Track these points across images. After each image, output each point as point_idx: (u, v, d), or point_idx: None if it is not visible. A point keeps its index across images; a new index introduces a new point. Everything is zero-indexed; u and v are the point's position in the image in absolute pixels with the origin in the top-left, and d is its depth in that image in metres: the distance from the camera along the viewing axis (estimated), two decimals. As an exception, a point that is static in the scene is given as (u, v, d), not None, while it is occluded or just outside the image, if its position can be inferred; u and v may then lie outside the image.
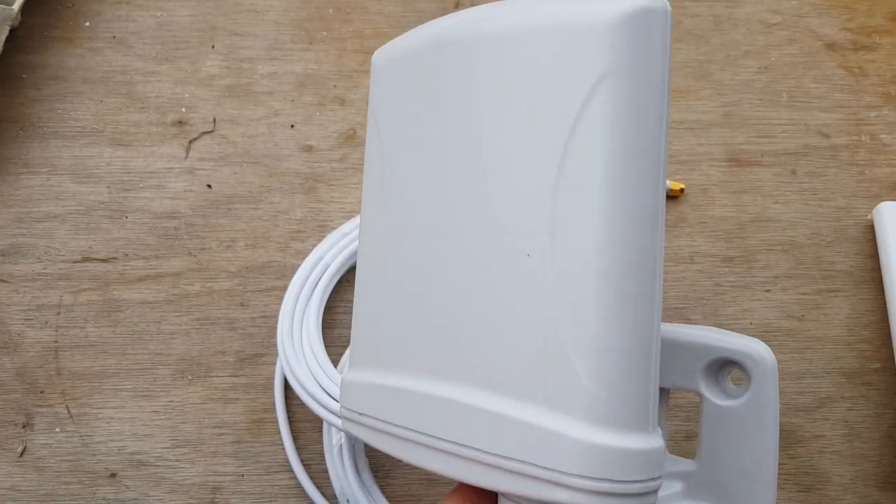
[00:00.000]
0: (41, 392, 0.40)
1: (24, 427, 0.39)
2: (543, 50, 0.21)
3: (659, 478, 0.21)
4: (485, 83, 0.23)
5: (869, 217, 0.45)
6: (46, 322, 0.41)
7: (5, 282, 0.42)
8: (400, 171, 0.26)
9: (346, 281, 0.42)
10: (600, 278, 0.20)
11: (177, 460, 0.39)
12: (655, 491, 0.21)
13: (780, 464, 0.40)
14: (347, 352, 0.40)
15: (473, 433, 0.22)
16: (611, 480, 0.20)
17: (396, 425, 0.25)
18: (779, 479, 0.40)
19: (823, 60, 0.49)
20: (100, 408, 0.40)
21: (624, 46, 0.20)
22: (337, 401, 0.36)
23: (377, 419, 0.26)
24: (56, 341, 0.41)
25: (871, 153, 0.47)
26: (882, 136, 0.47)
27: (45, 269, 0.42)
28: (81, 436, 0.39)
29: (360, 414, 0.27)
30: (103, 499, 0.38)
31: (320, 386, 0.37)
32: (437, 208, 0.24)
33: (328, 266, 0.40)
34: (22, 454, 0.39)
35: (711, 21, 0.49)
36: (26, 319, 0.41)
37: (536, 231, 0.21)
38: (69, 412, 0.40)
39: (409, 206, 0.25)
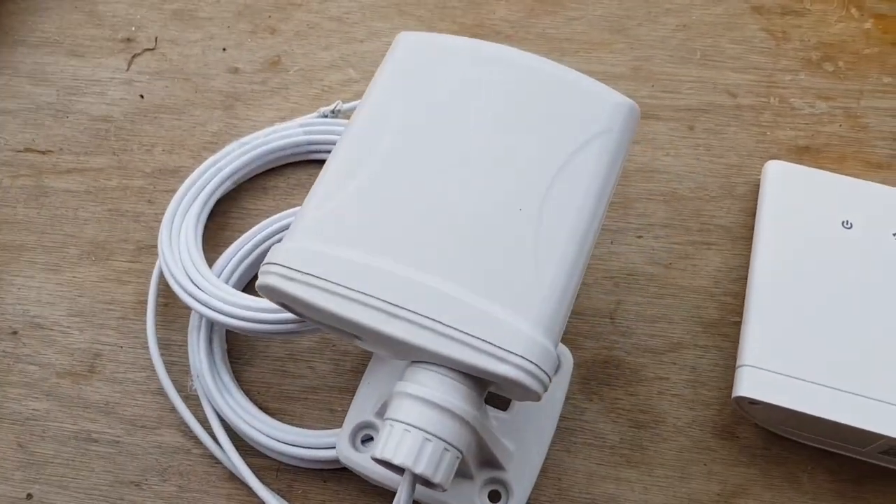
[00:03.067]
0: (-30, 257, 0.46)
1: (-50, 284, 0.45)
2: (576, 95, 0.34)
3: (551, 379, 0.30)
4: (527, 94, 0.34)
5: (759, 176, 0.45)
6: (-15, 199, 0.47)
7: (-43, 162, 0.48)
8: (427, 118, 0.34)
9: (244, 190, 0.46)
10: (570, 244, 0.31)
11: (69, 326, 0.44)
12: (548, 386, 0.30)
13: (617, 399, 0.41)
14: (243, 240, 0.43)
15: (442, 311, 0.29)
16: (538, 366, 0.29)
17: (356, 290, 0.30)
18: (614, 413, 0.41)
19: (747, 23, 0.49)
20: (14, 276, 0.45)
21: (624, 120, 0.33)
22: (200, 288, 0.40)
23: (332, 282, 0.30)
24: (-10, 216, 0.47)
25: (776, 115, 0.46)
26: (793, 99, 0.47)
27: (-9, 154, 0.48)
28: (-5, 297, 0.45)
29: (308, 274, 0.30)
30: (2, 352, 0.44)
31: (187, 274, 0.41)
32: (459, 153, 0.32)
33: (221, 170, 0.44)
34: (-57, 306, 0.45)
35: (640, -21, 0.50)
36: (-31, 195, 0.47)
37: (531, 197, 0.31)
38: (-11, 277, 0.45)
39: (429, 144, 0.33)
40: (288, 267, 0.31)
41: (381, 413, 0.37)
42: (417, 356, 0.31)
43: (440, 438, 0.30)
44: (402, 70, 0.35)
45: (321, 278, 0.30)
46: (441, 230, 0.31)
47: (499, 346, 0.29)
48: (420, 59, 0.36)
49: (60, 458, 0.41)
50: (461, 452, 0.31)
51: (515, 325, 0.29)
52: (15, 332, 0.44)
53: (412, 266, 0.30)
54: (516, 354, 0.29)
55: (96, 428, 0.42)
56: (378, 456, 0.30)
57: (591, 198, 0.32)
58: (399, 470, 0.31)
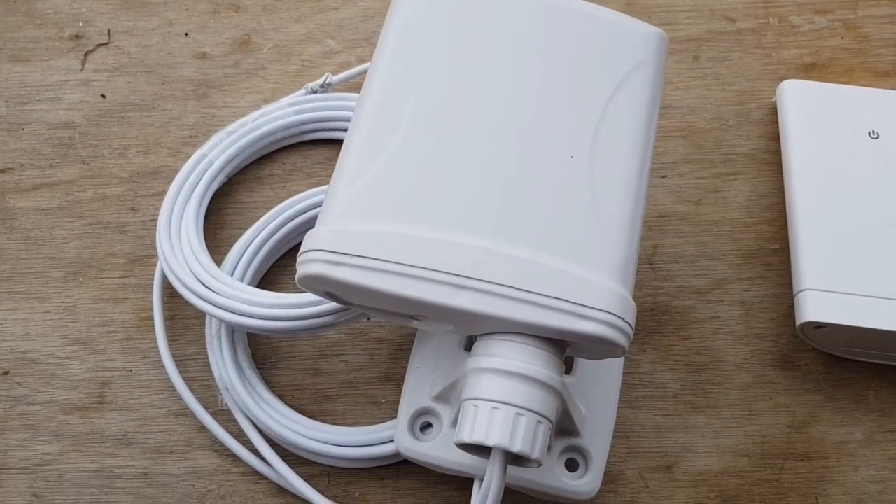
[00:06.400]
0: (-63, 298, 0.41)
1: (-80, 331, 0.40)
2: (606, 31, 0.32)
3: (634, 330, 0.28)
4: (556, 36, 0.31)
5: (773, 99, 0.44)
6: (-57, 231, 0.42)
7: None
8: (450, 73, 0.31)
9: (236, 182, 0.43)
10: (628, 185, 0.29)
11: (67, 357, 0.39)
12: (632, 338, 0.28)
13: (671, 345, 0.39)
14: (251, 234, 0.39)
15: (510, 275, 0.27)
16: (621, 318, 0.27)
17: (414, 266, 0.27)
18: (671, 360, 0.39)
19: (732, -55, 0.47)
20: (-7, 311, 0.40)
21: (657, 50, 0.32)
22: (214, 291, 0.37)
23: (385, 261, 0.27)
24: (-47, 249, 0.42)
25: (778, 35, 0.45)
26: (791, 17, 0.46)
27: (-58, 181, 0.43)
28: (-24, 338, 0.40)
29: (357, 256, 0.27)
30: (-5, 396, 0.39)
31: (197, 278, 0.37)
32: (493, 106, 0.30)
33: (212, 163, 0.40)
34: (-83, 356, 0.40)
35: (617, -88, 0.48)
36: (-76, 229, 0.42)
37: (581, 141, 0.29)
38: (-36, 316, 0.40)
39: (459, 101, 0.30)
40: (332, 251, 0.28)
41: (440, 397, 0.35)
42: (489, 327, 0.28)
43: (532, 411, 0.28)
44: (412, 26, 0.32)
45: (373, 258, 0.27)
46: (490, 190, 0.29)
47: (577, 303, 0.27)
48: (429, 12, 0.33)
49: (83, 502, 0.37)
50: (552, 422, 0.29)
51: (589, 278, 0.27)
52: (6, 373, 0.39)
53: (467, 231, 0.28)
54: (597, 309, 0.27)
55: (118, 463, 0.38)
56: (467, 440, 0.28)
57: (640, 133, 0.30)
58: (485, 452, 0.28)
